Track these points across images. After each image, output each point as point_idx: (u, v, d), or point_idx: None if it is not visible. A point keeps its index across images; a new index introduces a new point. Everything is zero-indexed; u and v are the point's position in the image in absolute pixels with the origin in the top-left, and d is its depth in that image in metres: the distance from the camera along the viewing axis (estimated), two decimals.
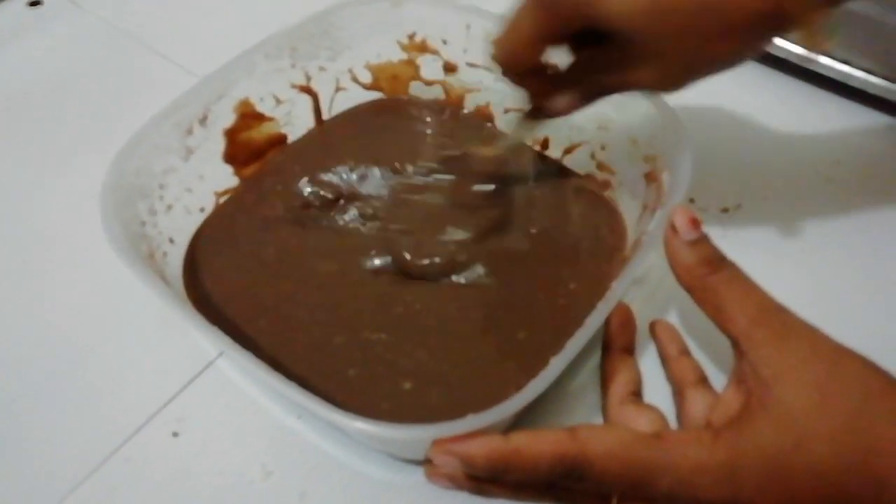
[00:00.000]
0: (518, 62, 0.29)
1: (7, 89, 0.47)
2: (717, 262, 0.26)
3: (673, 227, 0.27)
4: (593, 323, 0.26)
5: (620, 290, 0.27)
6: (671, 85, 0.28)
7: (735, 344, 0.25)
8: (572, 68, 0.30)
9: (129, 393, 0.31)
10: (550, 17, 0.27)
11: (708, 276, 0.26)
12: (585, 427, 0.24)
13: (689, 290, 0.27)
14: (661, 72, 0.27)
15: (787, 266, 0.35)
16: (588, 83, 0.30)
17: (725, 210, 0.38)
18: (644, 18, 0.25)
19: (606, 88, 0.30)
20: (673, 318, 0.33)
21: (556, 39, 0.28)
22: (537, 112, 0.32)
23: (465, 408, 0.28)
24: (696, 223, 0.27)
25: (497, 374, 0.29)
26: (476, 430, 0.23)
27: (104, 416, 0.31)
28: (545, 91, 0.30)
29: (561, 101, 0.30)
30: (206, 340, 0.32)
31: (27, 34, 0.50)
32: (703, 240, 0.27)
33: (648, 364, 0.31)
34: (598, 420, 0.30)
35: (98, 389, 0.32)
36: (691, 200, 0.38)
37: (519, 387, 0.24)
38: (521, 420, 0.28)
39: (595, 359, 0.32)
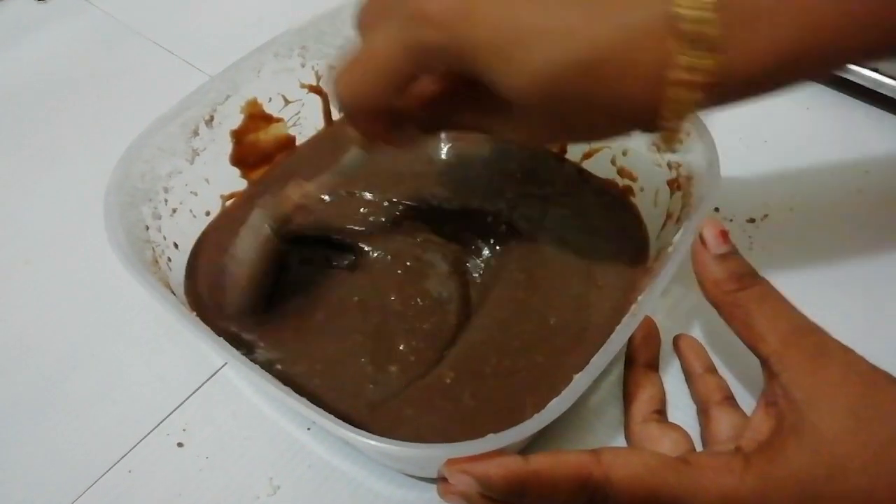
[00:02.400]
0: (371, 103, 0.25)
1: (11, 85, 0.46)
2: (748, 277, 0.25)
3: (701, 240, 0.26)
4: (618, 339, 0.24)
5: (648, 306, 0.25)
6: (535, 142, 0.27)
7: (765, 364, 0.24)
8: (423, 106, 0.26)
9: (132, 401, 0.31)
10: (417, 63, 0.23)
11: (738, 292, 0.25)
12: (609, 450, 0.23)
13: (717, 306, 0.26)
14: (530, 132, 0.26)
15: (816, 279, 0.34)
16: (437, 118, 0.27)
17: (752, 220, 0.36)
18: (540, 97, 0.22)
19: (456, 126, 0.28)
20: (696, 333, 0.32)
21: (414, 80, 0.24)
22: (372, 145, 0.28)
23: (482, 426, 0.27)
24: (725, 236, 0.26)
25: (516, 391, 0.28)
26: (495, 450, 0.22)
27: (106, 426, 0.30)
28: (387, 130, 0.27)
29: (404, 136, 0.27)
30: (214, 351, 0.31)
31: (34, 30, 0.50)
32: (733, 253, 0.26)
33: (672, 381, 0.30)
34: (619, 438, 0.29)
35: (100, 397, 0.31)
36: (716, 209, 0.37)
37: (539, 405, 0.23)
38: (538, 437, 0.27)
39: (616, 373, 0.30)
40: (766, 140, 0.40)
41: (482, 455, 0.22)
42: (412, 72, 0.24)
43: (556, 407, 0.23)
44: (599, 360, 0.24)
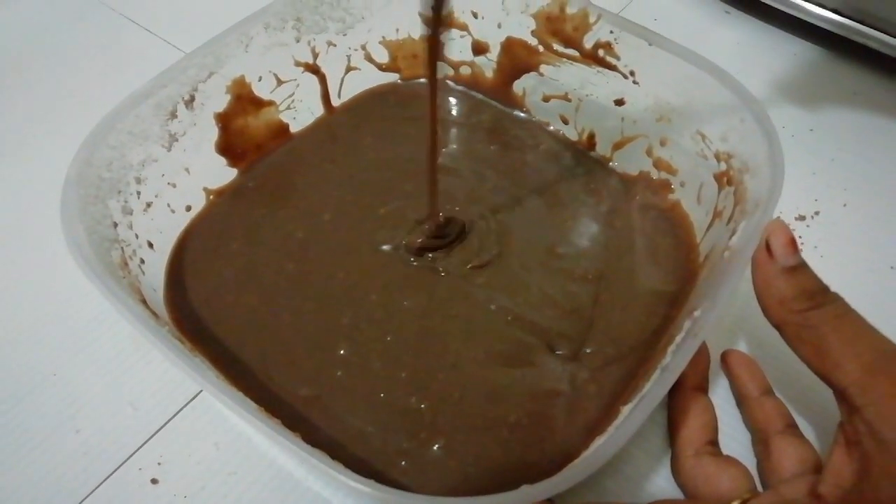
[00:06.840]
0: None
1: None
2: (821, 294, 0.22)
3: (767, 248, 0.22)
4: (677, 365, 0.20)
5: (709, 324, 0.21)
6: None
7: (842, 395, 0.21)
8: None
9: (98, 430, 0.27)
10: None
11: (808, 312, 0.22)
12: None
13: (781, 326, 0.23)
14: None
15: (874, 285, 0.31)
16: None
17: (801, 217, 0.33)
18: None
19: None
20: (741, 350, 0.28)
21: None
22: None
23: (504, 469, 0.23)
24: (794, 244, 0.22)
25: (544, 425, 0.24)
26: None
27: (66, 459, 0.26)
28: None
29: None
30: (187, 375, 0.27)
31: None
32: (803, 267, 0.23)
33: (718, 403, 0.26)
34: (664, 471, 0.25)
35: (60, 426, 0.27)
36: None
37: (568, 431, 0.19)
38: None
39: None
40: (812, 128, 0.37)
41: None
42: None
43: (605, 449, 0.19)
44: (656, 391, 0.20)
